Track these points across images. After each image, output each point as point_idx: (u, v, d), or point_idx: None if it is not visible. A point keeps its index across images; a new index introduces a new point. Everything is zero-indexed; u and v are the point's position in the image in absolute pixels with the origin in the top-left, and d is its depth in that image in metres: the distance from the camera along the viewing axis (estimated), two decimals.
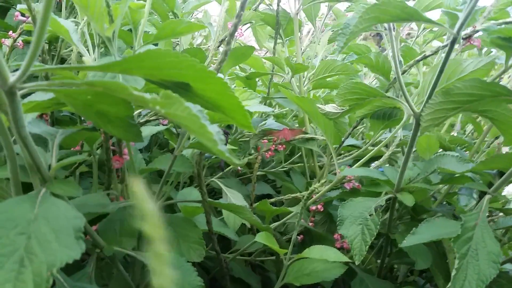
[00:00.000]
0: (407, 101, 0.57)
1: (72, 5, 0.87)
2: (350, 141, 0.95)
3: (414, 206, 0.76)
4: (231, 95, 0.41)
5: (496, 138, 0.87)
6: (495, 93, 0.47)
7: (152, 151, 1.14)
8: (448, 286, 0.47)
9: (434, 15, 0.97)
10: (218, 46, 0.90)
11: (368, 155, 0.80)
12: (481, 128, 0.89)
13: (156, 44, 1.04)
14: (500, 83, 0.69)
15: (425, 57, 0.69)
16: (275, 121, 1.06)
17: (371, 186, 0.72)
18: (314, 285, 0.72)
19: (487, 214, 0.56)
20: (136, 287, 0.61)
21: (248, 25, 1.20)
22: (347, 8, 0.89)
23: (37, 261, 0.28)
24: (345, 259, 0.59)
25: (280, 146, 0.94)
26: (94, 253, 0.57)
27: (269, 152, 0.94)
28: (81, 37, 0.73)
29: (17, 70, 0.34)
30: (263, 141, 0.98)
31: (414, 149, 0.66)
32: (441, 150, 0.80)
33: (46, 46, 0.88)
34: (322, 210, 0.88)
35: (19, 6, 0.67)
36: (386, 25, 0.57)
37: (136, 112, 0.75)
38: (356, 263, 0.60)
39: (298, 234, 0.92)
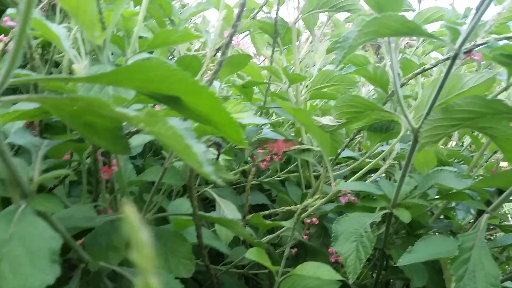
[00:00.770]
0: (405, 116, 0.55)
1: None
2: (346, 153, 0.94)
3: (411, 221, 0.75)
4: (222, 110, 0.40)
5: (495, 152, 0.86)
6: (496, 111, 0.46)
7: (146, 158, 1.12)
8: None
9: (434, 27, 0.97)
10: (215, 54, 0.89)
11: (365, 168, 0.78)
12: (479, 142, 0.88)
13: (151, 52, 1.02)
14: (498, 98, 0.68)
15: (425, 70, 0.68)
16: (272, 130, 1.05)
17: (367, 201, 0.71)
18: None
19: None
20: None
21: (247, 32, 1.19)
22: (346, 18, 0.88)
23: (6, 287, 0.26)
24: (339, 277, 0.57)
25: (275, 156, 0.93)
26: (80, 268, 0.55)
27: (264, 163, 0.93)
28: (74, 43, 0.72)
29: None
30: (258, 151, 0.96)
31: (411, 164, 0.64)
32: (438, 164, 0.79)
33: (39, 51, 0.86)
34: (317, 223, 0.86)
35: (9, 11, 0.65)
36: (386, 38, 0.56)
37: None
38: (350, 281, 0.58)
39: (292, 247, 0.91)
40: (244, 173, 1.21)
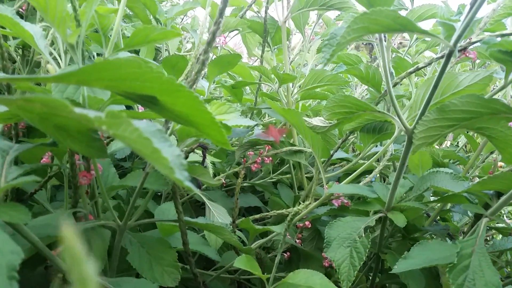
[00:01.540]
0: (399, 117, 0.53)
1: None
2: (339, 154, 0.91)
3: (406, 224, 0.72)
4: (203, 110, 0.37)
5: (491, 153, 0.84)
6: (494, 110, 0.44)
7: (135, 161, 1.09)
8: None
9: (427, 25, 0.94)
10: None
11: (358, 170, 0.76)
12: (475, 142, 0.86)
13: (137, 52, 0.99)
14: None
15: (418, 69, 0.66)
16: (263, 131, 1.02)
17: (361, 204, 0.68)
18: None
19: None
20: None
21: (237, 32, 1.16)
22: (337, 16, 0.86)
23: None
24: (332, 286, 0.55)
25: (266, 158, 0.90)
26: (57, 278, 0.52)
27: (255, 165, 0.90)
28: (55, 43, 0.69)
29: None
30: (249, 153, 0.94)
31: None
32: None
33: (20, 52, 0.83)
34: (310, 226, 0.83)
35: None
36: (377, 35, 0.53)
37: None
38: None
39: (285, 251, 0.88)
40: (236, 175, 1.18)
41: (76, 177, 0.55)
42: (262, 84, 1.04)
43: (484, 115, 0.45)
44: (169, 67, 0.86)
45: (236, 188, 0.69)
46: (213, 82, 1.05)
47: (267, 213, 0.79)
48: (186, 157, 0.54)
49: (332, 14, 1.09)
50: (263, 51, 1.00)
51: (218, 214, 0.90)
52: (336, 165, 1.10)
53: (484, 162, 0.87)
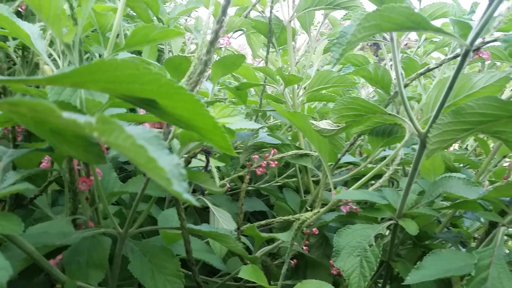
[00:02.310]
0: (411, 120, 0.50)
1: None
2: (347, 158, 0.89)
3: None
4: (205, 114, 0.35)
5: (504, 157, 0.81)
6: None
7: None
8: None
9: (437, 24, 0.92)
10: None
11: (368, 175, 0.73)
12: (487, 145, 0.83)
13: (140, 52, 0.97)
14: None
15: (429, 70, 0.63)
16: (268, 134, 1.00)
17: (370, 211, 0.66)
18: None
19: None
20: None
21: (242, 33, 1.14)
22: (343, 16, 0.83)
23: None
24: None
25: (272, 162, 0.88)
26: None
27: (260, 169, 0.88)
28: (54, 43, 0.67)
29: None
30: (254, 156, 0.91)
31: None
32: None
33: (20, 52, 0.82)
34: (317, 233, 0.81)
35: None
36: (387, 35, 0.51)
37: None
38: None
39: (291, 259, 0.86)
40: (241, 178, 1.16)
41: (75, 183, 0.53)
42: (267, 86, 1.02)
43: (502, 118, 0.42)
44: (172, 68, 0.84)
45: (241, 194, 0.67)
46: (217, 84, 1.03)
47: (273, 220, 0.76)
48: (189, 162, 0.52)
49: (338, 14, 1.07)
50: (268, 52, 0.98)
51: (222, 219, 0.87)
52: (343, 169, 1.08)
53: (496, 166, 0.85)
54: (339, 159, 0.83)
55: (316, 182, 0.99)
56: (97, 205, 0.58)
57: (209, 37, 0.63)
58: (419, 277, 0.49)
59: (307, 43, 1.18)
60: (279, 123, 1.29)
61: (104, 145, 0.45)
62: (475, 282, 0.42)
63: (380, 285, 0.79)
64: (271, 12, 0.92)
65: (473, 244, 0.78)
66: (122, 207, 0.77)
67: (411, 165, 0.55)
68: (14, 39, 0.73)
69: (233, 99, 1.12)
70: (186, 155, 0.52)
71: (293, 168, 1.06)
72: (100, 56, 0.90)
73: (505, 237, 0.82)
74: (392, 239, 0.66)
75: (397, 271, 0.76)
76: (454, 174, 0.63)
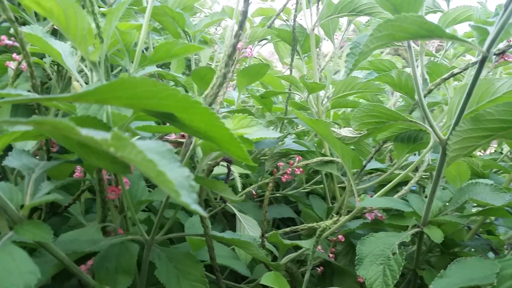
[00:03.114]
0: (432, 127, 0.50)
1: None
2: (373, 164, 0.88)
3: (444, 239, 0.69)
4: (220, 126, 0.36)
5: None
6: None
7: None
8: None
9: (463, 28, 0.90)
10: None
11: (393, 181, 0.72)
12: None
13: (168, 64, 1.01)
14: None
15: (453, 74, 0.62)
16: (294, 140, 1.01)
17: (395, 218, 0.65)
18: None
19: None
20: None
21: (267, 41, 1.16)
22: (366, 22, 0.83)
23: None
24: None
25: (297, 169, 0.88)
26: None
27: (285, 176, 0.88)
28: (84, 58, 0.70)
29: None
30: (279, 163, 0.92)
31: (443, 177, 0.58)
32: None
33: (55, 68, 0.86)
34: (343, 240, 0.81)
35: (24, 29, 0.65)
36: (405, 41, 0.51)
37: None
38: None
39: (318, 266, 0.86)
40: (267, 185, 1.17)
41: (104, 192, 0.55)
42: (295, 93, 1.03)
43: None
44: (198, 79, 0.87)
45: (264, 201, 0.68)
46: (245, 91, 1.04)
47: (298, 227, 0.77)
48: (211, 171, 0.53)
49: (363, 19, 1.07)
50: (292, 60, 0.99)
51: (248, 226, 0.89)
52: (373, 175, 1.07)
53: None
54: (364, 166, 0.83)
55: (343, 189, 0.99)
56: (126, 213, 0.61)
57: (228, 48, 0.65)
58: (442, 286, 0.49)
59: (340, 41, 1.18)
60: (306, 130, 1.30)
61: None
62: None
63: None
64: (294, 20, 0.93)
65: (506, 252, 0.75)
66: (151, 213, 0.80)
67: (435, 172, 0.54)
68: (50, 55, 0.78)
69: (260, 107, 1.13)
70: (208, 164, 0.54)
71: (321, 175, 1.06)
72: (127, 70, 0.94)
73: None
74: (419, 247, 0.65)
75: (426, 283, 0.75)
76: (481, 180, 0.62)
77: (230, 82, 0.98)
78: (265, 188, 1.17)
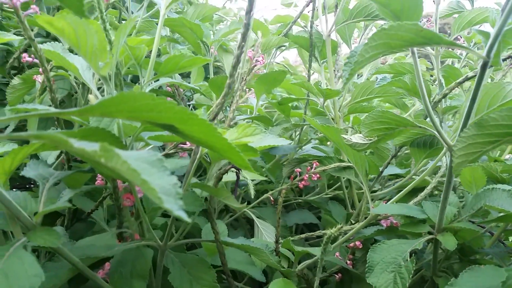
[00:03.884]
0: (439, 133, 0.49)
1: None
2: (391, 169, 0.87)
3: (462, 246, 0.67)
4: (218, 137, 0.38)
5: None
6: None
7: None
8: None
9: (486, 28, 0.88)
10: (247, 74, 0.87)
11: (408, 187, 0.72)
12: None
13: (189, 74, 1.03)
14: None
15: (467, 78, 0.61)
16: (313, 146, 1.01)
17: (409, 225, 0.64)
18: None
19: None
20: None
21: (284, 47, 1.16)
22: (381, 26, 0.83)
23: None
24: None
25: (314, 175, 0.88)
26: None
27: (303, 182, 0.89)
28: None
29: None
30: (297, 169, 0.92)
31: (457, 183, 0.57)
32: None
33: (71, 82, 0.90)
34: (361, 247, 0.80)
35: (43, 46, 0.69)
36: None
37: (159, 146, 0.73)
38: None
39: (336, 273, 0.85)
40: (292, 190, 1.17)
41: (119, 199, 0.58)
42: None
43: None
44: (215, 87, 0.89)
45: (278, 208, 0.69)
46: (270, 95, 1.05)
47: (313, 233, 0.77)
48: (220, 179, 0.55)
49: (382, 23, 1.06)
50: (310, 66, 0.99)
51: (266, 232, 0.90)
52: (398, 179, 1.05)
53: None
54: (381, 172, 0.82)
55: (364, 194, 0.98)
56: (141, 219, 0.63)
57: (250, 55, 0.66)
58: None
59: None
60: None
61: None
62: None
63: None
64: (311, 27, 0.93)
65: None
66: (169, 219, 0.82)
67: (445, 179, 0.54)
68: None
69: (244, 123, 1.14)
70: (218, 172, 0.55)
71: (341, 181, 1.06)
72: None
73: None
74: (434, 254, 0.64)
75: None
76: (498, 186, 0.60)
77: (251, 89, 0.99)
78: (289, 193, 1.17)
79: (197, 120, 0.36)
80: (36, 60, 0.60)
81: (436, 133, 0.50)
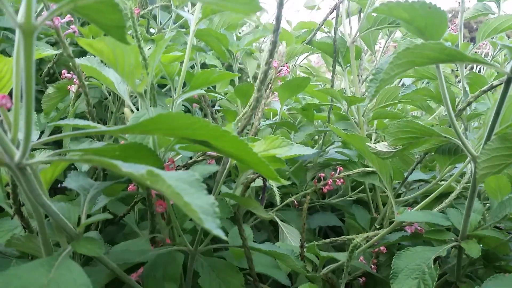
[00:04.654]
0: (463, 144, 0.50)
1: None
2: (416, 175, 0.87)
3: (486, 253, 0.68)
4: (249, 152, 0.40)
5: None
6: None
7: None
8: None
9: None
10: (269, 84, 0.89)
11: (433, 194, 0.72)
12: None
13: (215, 86, 1.06)
14: None
15: (492, 87, 0.61)
16: (337, 150, 1.02)
17: (434, 232, 0.65)
18: None
19: None
20: None
21: (307, 54, 1.18)
22: (403, 35, 0.83)
23: None
24: None
25: (338, 180, 0.90)
26: None
27: (327, 187, 0.90)
28: None
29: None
30: (320, 174, 0.94)
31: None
32: None
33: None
34: (385, 251, 0.81)
35: (78, 61, 0.72)
36: None
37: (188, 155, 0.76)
38: None
39: (360, 276, 0.86)
40: (315, 192, 1.18)
41: (152, 206, 0.61)
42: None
43: None
44: (241, 95, 0.91)
45: (303, 213, 0.70)
46: (294, 99, 1.07)
47: (338, 238, 0.79)
48: (248, 187, 0.57)
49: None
50: (333, 72, 1.00)
51: (290, 236, 0.91)
52: (422, 183, 1.05)
53: None
54: (406, 178, 0.83)
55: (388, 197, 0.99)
56: (172, 224, 0.66)
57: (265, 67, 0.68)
58: None
59: (381, 53, 1.17)
60: None
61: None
62: None
63: None
64: (335, 33, 0.95)
65: None
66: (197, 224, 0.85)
67: (470, 188, 0.54)
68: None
69: (272, 136, 1.15)
70: (245, 181, 0.58)
71: (364, 184, 1.07)
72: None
73: None
74: (458, 260, 0.65)
75: None
76: None
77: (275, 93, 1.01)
78: (313, 196, 1.19)
79: (229, 137, 0.38)
80: (74, 76, 0.64)
81: (461, 143, 0.51)
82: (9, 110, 0.34)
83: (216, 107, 1.18)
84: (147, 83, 0.48)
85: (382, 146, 0.64)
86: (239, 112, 1.04)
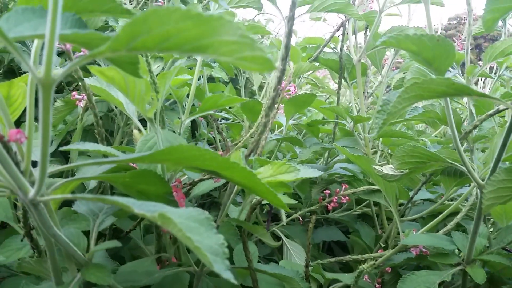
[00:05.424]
0: (470, 173, 0.51)
1: None
2: (422, 195, 0.88)
3: (492, 276, 0.67)
4: (257, 182, 0.40)
5: None
6: None
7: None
8: None
9: None
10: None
11: (440, 216, 0.72)
12: None
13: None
14: None
15: (499, 111, 0.62)
16: (342, 166, 1.02)
17: (438, 256, 0.65)
18: None
19: None
20: None
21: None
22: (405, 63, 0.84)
23: None
24: None
25: (343, 197, 0.90)
26: None
27: (332, 204, 0.91)
28: None
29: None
30: (325, 191, 0.94)
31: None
32: None
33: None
34: (390, 271, 0.81)
35: (88, 81, 0.73)
36: None
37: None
38: None
39: None
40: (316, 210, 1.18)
41: (159, 227, 0.61)
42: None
43: None
44: (247, 111, 0.92)
45: (308, 233, 0.70)
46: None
47: (343, 258, 0.79)
48: (254, 210, 0.57)
49: None
50: (339, 88, 1.01)
51: (295, 253, 0.92)
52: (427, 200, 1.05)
53: None
54: (411, 198, 0.83)
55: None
56: (178, 243, 0.66)
57: (273, 84, 0.69)
58: None
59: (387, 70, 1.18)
60: None
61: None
62: None
63: None
64: (341, 50, 0.95)
65: None
66: None
67: (475, 214, 0.54)
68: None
69: (279, 161, 1.16)
70: (251, 203, 0.58)
71: (369, 200, 1.07)
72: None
73: None
74: (463, 284, 0.65)
75: None
76: None
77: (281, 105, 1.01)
78: (313, 211, 1.19)
79: (238, 168, 0.38)
80: (84, 97, 0.65)
81: (466, 170, 0.51)
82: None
83: (222, 121, 1.19)
84: (157, 108, 0.49)
85: (388, 169, 0.64)
86: (245, 127, 1.05)
